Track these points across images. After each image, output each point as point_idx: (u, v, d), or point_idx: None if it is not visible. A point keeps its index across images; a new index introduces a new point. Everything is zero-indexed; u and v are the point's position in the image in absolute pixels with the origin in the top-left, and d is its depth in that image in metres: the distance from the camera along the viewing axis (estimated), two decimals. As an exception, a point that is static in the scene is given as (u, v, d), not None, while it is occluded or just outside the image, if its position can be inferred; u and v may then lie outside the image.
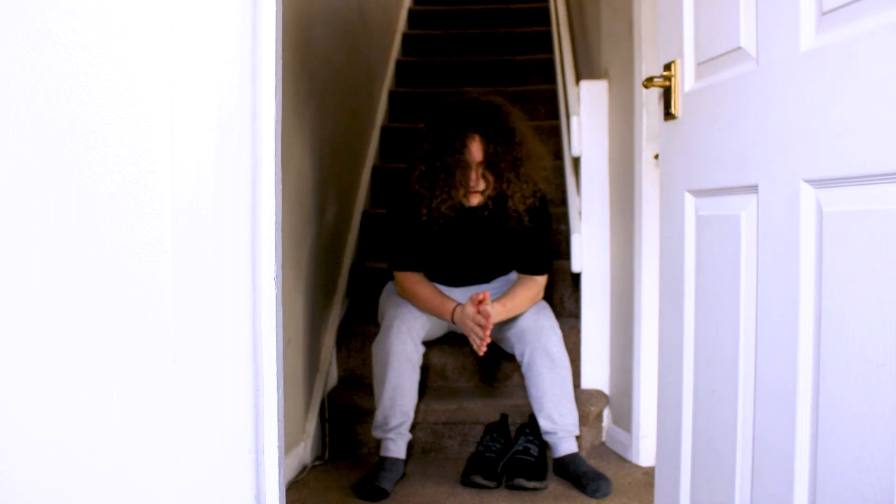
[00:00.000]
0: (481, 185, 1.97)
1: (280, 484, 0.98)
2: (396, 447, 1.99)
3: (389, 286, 2.20)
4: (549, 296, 2.59)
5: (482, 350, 1.88)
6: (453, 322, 1.97)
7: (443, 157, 1.93)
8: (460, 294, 2.15)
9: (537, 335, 2.01)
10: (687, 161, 1.24)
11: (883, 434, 0.80)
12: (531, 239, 2.06)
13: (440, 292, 2.03)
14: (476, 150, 1.92)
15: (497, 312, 1.92)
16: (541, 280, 2.08)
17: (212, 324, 0.91)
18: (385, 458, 1.97)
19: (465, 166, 1.93)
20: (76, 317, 0.91)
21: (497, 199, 2.02)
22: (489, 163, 1.94)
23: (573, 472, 1.93)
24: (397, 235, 2.06)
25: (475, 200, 2.00)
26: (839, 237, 0.88)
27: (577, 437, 2.18)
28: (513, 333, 2.06)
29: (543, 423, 1.99)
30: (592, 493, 1.85)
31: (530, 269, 2.08)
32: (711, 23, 1.16)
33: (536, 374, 1.99)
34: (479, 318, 1.87)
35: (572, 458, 1.98)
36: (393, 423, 1.97)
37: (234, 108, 0.92)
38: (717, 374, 1.15)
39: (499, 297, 1.99)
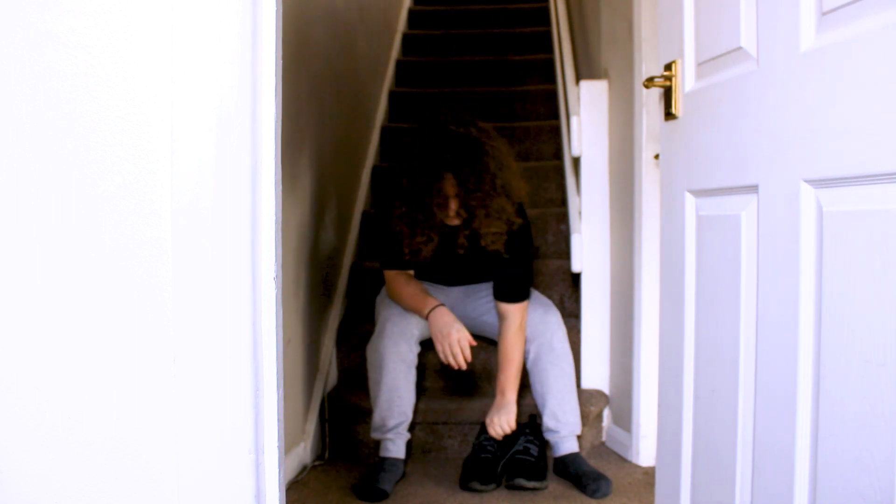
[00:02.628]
0: (457, 220, 1.97)
1: (280, 484, 0.98)
2: (395, 447, 1.98)
3: (385, 288, 2.20)
4: (550, 296, 2.59)
5: (460, 366, 1.87)
6: (426, 319, 1.94)
7: (420, 198, 1.91)
8: (456, 293, 2.16)
9: (543, 331, 2.01)
10: (687, 161, 1.24)
11: (883, 434, 0.80)
12: (509, 269, 2.01)
13: (423, 291, 2.00)
14: (449, 188, 1.90)
15: (511, 398, 1.97)
16: (521, 307, 2.02)
17: (212, 324, 0.91)
18: (384, 459, 1.97)
19: (442, 204, 1.92)
20: (76, 317, 0.91)
21: (472, 233, 1.99)
22: (462, 200, 1.92)
23: (574, 471, 1.94)
24: (385, 236, 2.05)
25: (456, 221, 1.98)
26: (839, 237, 0.88)
27: (578, 437, 2.18)
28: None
29: (547, 421, 1.99)
30: (592, 494, 1.85)
31: (509, 298, 2.01)
32: (712, 23, 1.16)
33: (541, 370, 2.00)
34: (463, 344, 1.86)
35: (573, 457, 1.98)
36: (391, 423, 1.97)
37: (234, 108, 0.92)
38: (717, 374, 1.15)
39: (499, 377, 1.99)
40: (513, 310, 2.00)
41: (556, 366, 1.99)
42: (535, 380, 2.02)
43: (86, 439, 0.92)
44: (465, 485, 1.91)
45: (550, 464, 2.05)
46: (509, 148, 2.03)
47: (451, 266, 2.11)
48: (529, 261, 2.07)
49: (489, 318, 2.13)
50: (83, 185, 0.90)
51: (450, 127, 1.92)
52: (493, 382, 2.32)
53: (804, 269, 0.93)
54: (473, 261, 2.06)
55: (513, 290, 2.01)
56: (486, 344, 2.22)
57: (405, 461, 2.02)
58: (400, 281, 2.04)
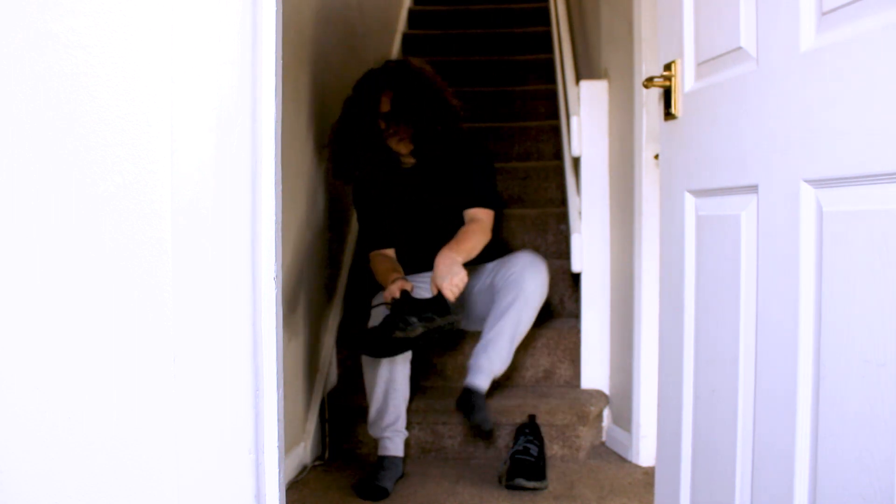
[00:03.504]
0: (396, 138, 2.07)
1: (280, 484, 0.98)
2: (394, 445, 1.99)
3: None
4: (550, 296, 2.59)
5: (401, 289, 1.88)
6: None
7: (360, 117, 2.06)
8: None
9: (522, 271, 2.04)
10: (687, 161, 1.24)
11: (883, 434, 0.80)
12: (467, 173, 2.12)
13: (394, 266, 2.07)
14: (385, 103, 2.05)
15: (451, 259, 1.91)
16: (484, 215, 2.09)
17: (212, 324, 0.91)
18: (384, 458, 1.97)
19: (378, 120, 2.06)
20: (76, 317, 0.91)
21: (420, 151, 2.11)
22: (399, 111, 2.04)
23: (467, 401, 1.95)
24: (361, 221, 2.21)
25: (406, 159, 2.12)
26: (839, 237, 0.88)
27: (577, 438, 2.18)
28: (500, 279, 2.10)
29: (476, 347, 2.02)
30: (469, 418, 1.92)
31: (470, 202, 2.10)
32: (711, 23, 1.16)
33: (502, 300, 2.03)
34: (400, 286, 1.89)
35: (477, 390, 1.97)
36: (387, 420, 1.98)
37: (234, 108, 0.92)
38: (717, 374, 1.15)
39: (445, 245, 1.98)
40: (479, 212, 2.10)
41: (515, 307, 2.00)
42: (495, 305, 2.04)
43: (86, 439, 0.92)
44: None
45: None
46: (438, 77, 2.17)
47: (417, 224, 2.17)
48: (489, 167, 2.17)
49: (477, 310, 2.16)
50: (83, 185, 0.91)
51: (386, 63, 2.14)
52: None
53: (804, 269, 0.93)
54: (431, 185, 2.14)
55: (475, 195, 2.11)
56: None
57: (404, 459, 2.02)
58: (378, 259, 2.12)
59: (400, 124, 2.05)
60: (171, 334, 0.91)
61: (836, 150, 0.87)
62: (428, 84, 2.09)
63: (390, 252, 2.17)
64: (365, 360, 2.02)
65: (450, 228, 2.10)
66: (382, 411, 1.98)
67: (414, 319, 1.82)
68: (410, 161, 2.15)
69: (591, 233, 2.34)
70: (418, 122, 2.05)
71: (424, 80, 2.09)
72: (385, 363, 1.96)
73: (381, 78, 2.09)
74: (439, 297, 1.86)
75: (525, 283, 2.02)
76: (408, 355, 2.01)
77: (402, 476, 1.99)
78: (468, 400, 1.95)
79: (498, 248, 2.23)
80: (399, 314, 1.83)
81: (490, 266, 2.20)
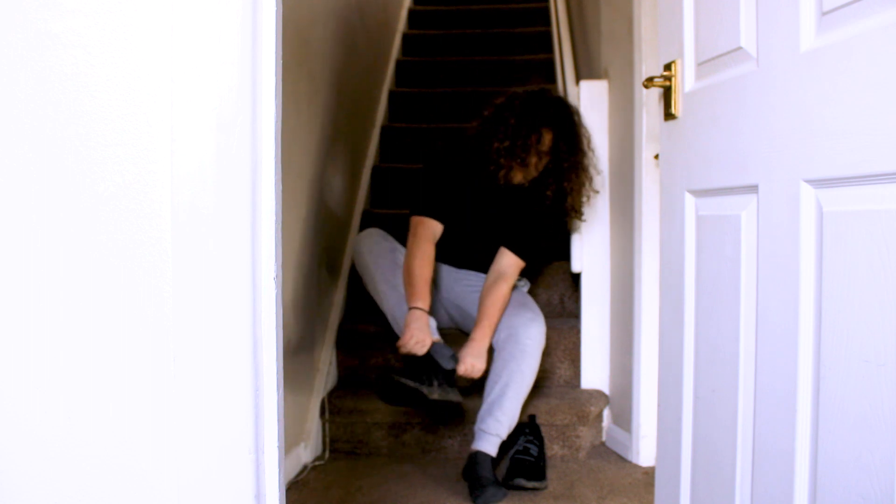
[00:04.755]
0: (521, 178, 2.05)
1: (280, 484, 0.98)
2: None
3: (363, 238, 2.18)
4: (549, 296, 2.60)
5: (415, 350, 1.88)
6: (408, 307, 1.96)
7: (526, 136, 1.98)
8: (458, 275, 2.20)
9: (518, 325, 1.99)
10: (687, 161, 1.24)
11: (883, 434, 0.80)
12: (538, 221, 2.11)
13: (428, 278, 1.98)
14: (546, 140, 2.01)
15: (481, 348, 1.96)
16: (515, 269, 2.06)
17: (212, 324, 0.91)
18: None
19: (534, 150, 2.00)
20: (76, 317, 0.91)
21: (533, 187, 2.07)
22: (556, 154, 2.02)
23: (471, 472, 1.89)
24: (426, 186, 2.10)
25: (516, 179, 2.06)
26: (839, 237, 0.88)
27: (577, 438, 2.18)
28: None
29: (481, 410, 1.97)
30: (475, 500, 1.82)
31: (514, 246, 2.07)
32: (711, 23, 1.16)
33: (501, 358, 1.98)
34: (420, 341, 1.87)
35: (483, 457, 1.91)
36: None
37: (234, 108, 0.92)
38: (717, 374, 1.15)
39: (476, 326, 2.00)
40: (510, 263, 2.06)
41: (515, 360, 1.96)
42: (493, 364, 2.00)
43: (85, 439, 0.92)
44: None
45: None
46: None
47: (477, 227, 2.14)
48: (551, 234, 2.18)
49: (506, 331, 2.10)
50: (83, 185, 0.90)
51: (563, 101, 2.08)
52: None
53: (804, 269, 0.93)
54: (518, 206, 2.10)
55: (524, 243, 2.07)
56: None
57: (403, 456, 2.03)
58: (422, 236, 2.01)
59: (545, 163, 2.03)
60: (171, 334, 0.91)
61: (836, 150, 0.87)
62: (581, 137, 2.06)
63: (437, 229, 2.06)
64: (361, 268, 2.13)
65: (494, 251, 2.12)
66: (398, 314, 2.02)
67: (436, 383, 1.85)
68: (507, 181, 2.07)
69: (591, 233, 2.34)
70: (562, 172, 2.02)
71: (580, 130, 2.06)
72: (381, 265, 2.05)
73: (547, 112, 2.01)
74: (454, 372, 1.90)
75: (521, 337, 1.98)
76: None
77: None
78: (474, 471, 1.87)
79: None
80: (424, 373, 1.86)
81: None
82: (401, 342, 1.88)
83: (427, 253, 1.99)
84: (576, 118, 2.06)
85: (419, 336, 1.87)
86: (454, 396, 1.86)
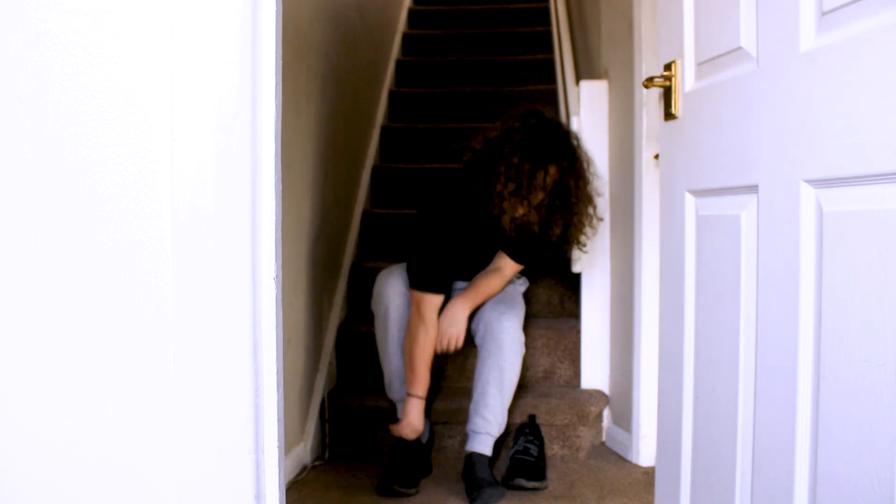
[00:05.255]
0: (525, 204, 1.93)
1: (280, 484, 0.98)
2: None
3: (386, 276, 2.11)
4: (550, 296, 2.60)
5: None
6: (404, 392, 2.00)
7: (531, 175, 1.88)
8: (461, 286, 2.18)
9: (494, 320, 1.98)
10: (687, 161, 1.24)
11: (883, 434, 0.80)
12: (537, 243, 2.03)
13: (428, 361, 1.95)
14: (552, 174, 1.89)
15: (456, 314, 1.99)
16: (511, 270, 2.06)
17: (212, 324, 0.91)
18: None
19: (540, 190, 1.89)
20: (76, 317, 0.91)
21: (539, 223, 1.97)
22: (559, 190, 1.92)
23: (468, 474, 1.89)
24: (426, 248, 1.98)
25: (518, 213, 1.94)
26: (839, 237, 0.88)
27: (577, 438, 2.18)
28: (474, 316, 2.07)
29: (470, 412, 1.97)
30: (472, 501, 1.82)
31: (511, 250, 2.04)
32: (711, 23, 1.16)
33: (481, 357, 1.98)
34: (414, 430, 1.95)
35: (478, 457, 1.91)
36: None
37: (234, 108, 0.92)
38: (717, 374, 1.15)
39: (458, 295, 2.03)
40: (507, 263, 2.06)
41: (492, 356, 1.95)
42: (476, 363, 2.01)
43: (85, 439, 0.92)
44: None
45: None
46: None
47: (482, 250, 2.11)
48: (553, 255, 2.14)
49: (472, 323, 2.10)
50: (83, 185, 0.90)
51: (562, 128, 1.98)
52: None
53: (804, 269, 0.93)
54: (496, 247, 2.08)
55: (522, 251, 2.05)
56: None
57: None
58: (431, 319, 1.95)
59: (543, 197, 1.91)
60: (171, 334, 0.91)
61: (836, 149, 0.87)
62: (583, 165, 1.96)
63: (439, 301, 1.96)
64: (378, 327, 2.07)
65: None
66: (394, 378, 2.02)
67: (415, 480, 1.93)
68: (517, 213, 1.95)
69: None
70: (569, 207, 1.93)
71: (582, 157, 1.96)
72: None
73: (551, 145, 1.90)
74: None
75: (495, 331, 1.97)
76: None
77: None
78: (471, 473, 1.87)
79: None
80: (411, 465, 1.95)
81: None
82: (395, 428, 1.96)
83: (429, 334, 1.95)
84: (575, 143, 1.97)
85: (415, 425, 1.95)
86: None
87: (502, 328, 1.96)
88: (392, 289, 2.03)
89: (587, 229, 2.01)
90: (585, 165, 1.97)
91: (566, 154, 1.92)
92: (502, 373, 1.95)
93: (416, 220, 2.08)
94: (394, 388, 2.06)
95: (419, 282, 1.95)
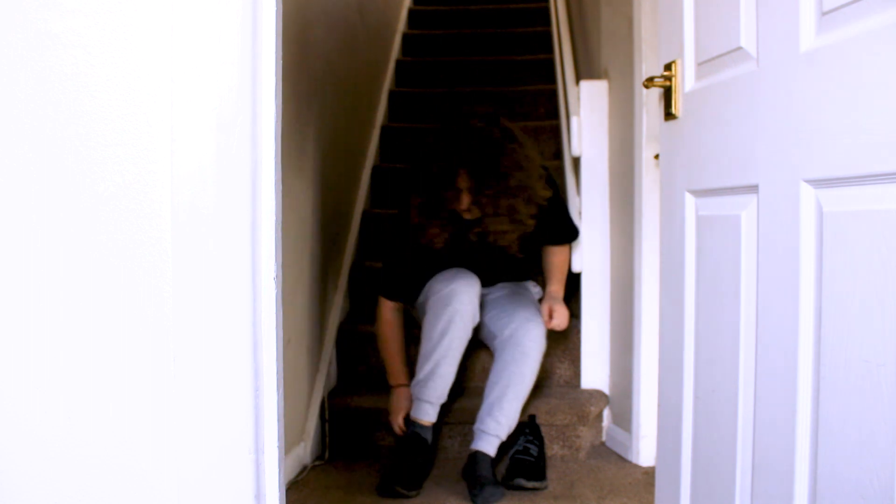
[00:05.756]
0: (469, 214, 2.02)
1: (280, 484, 0.98)
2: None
3: (452, 277, 2.08)
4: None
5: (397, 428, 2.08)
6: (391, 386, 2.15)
7: (436, 189, 1.98)
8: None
9: (518, 327, 1.99)
10: (687, 161, 1.24)
11: (883, 434, 0.80)
12: (549, 223, 2.13)
13: (401, 356, 2.15)
14: (462, 182, 1.96)
15: (560, 297, 2.18)
16: (565, 253, 2.25)
17: (212, 324, 0.92)
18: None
19: (453, 197, 1.98)
20: (76, 317, 0.91)
21: (482, 230, 2.04)
22: (474, 197, 1.98)
23: (471, 472, 1.89)
24: (387, 263, 2.20)
25: (469, 215, 2.02)
26: (839, 237, 0.88)
27: (577, 438, 2.18)
28: (491, 318, 2.09)
29: (481, 411, 1.96)
30: (473, 499, 1.82)
31: (555, 241, 2.22)
32: (711, 23, 1.16)
33: (501, 360, 1.98)
34: (400, 424, 2.08)
35: (482, 457, 1.91)
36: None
37: (234, 108, 0.92)
38: (717, 374, 1.15)
39: (550, 284, 2.21)
40: (560, 248, 2.24)
41: (515, 362, 1.95)
42: (494, 365, 2.01)
43: (85, 439, 0.92)
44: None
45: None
46: (534, 150, 2.10)
47: (464, 261, 2.10)
48: (566, 213, 2.24)
49: (489, 324, 2.10)
50: (83, 185, 0.91)
51: (471, 122, 2.00)
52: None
53: (804, 269, 0.93)
54: (484, 256, 2.11)
55: (558, 235, 2.21)
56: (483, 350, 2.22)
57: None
58: (388, 319, 2.15)
59: (472, 193, 1.97)
60: (171, 334, 0.91)
61: (836, 150, 0.87)
62: (501, 153, 1.97)
63: (399, 310, 2.16)
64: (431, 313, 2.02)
65: (487, 273, 2.14)
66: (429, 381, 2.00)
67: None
68: (473, 214, 2.02)
69: (591, 233, 2.34)
70: (494, 193, 1.97)
71: (499, 149, 1.97)
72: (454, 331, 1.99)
73: (458, 156, 1.94)
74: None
75: (522, 338, 1.97)
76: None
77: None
78: (473, 471, 1.87)
79: (517, 271, 2.25)
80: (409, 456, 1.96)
81: (504, 286, 2.21)
82: (390, 419, 2.11)
83: (392, 329, 2.16)
84: (504, 147, 1.97)
85: (406, 404, 2.08)
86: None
87: (530, 336, 1.97)
88: (465, 295, 1.96)
89: (527, 211, 2.02)
90: (517, 152, 1.99)
91: (474, 154, 1.94)
92: (523, 379, 1.97)
93: (385, 234, 2.28)
94: (437, 392, 1.99)
95: (379, 285, 2.20)
